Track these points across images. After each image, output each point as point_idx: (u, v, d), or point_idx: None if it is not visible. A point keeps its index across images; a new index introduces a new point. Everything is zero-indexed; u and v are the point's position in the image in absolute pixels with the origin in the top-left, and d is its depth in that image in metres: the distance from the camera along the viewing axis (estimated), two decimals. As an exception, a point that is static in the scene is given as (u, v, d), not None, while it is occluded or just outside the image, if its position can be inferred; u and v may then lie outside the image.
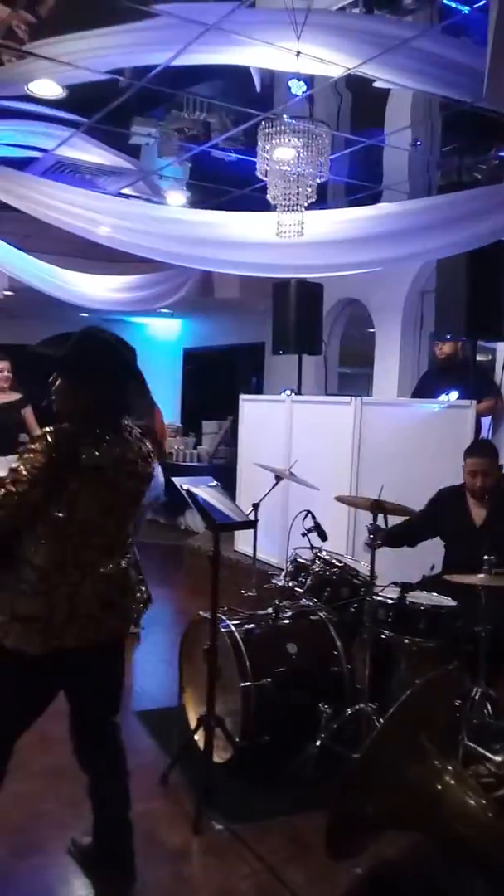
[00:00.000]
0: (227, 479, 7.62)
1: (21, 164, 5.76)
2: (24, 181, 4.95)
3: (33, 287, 6.72)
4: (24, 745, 3.61)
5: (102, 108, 4.98)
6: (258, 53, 3.70)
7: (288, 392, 6.91)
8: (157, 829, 3.05)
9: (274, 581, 4.11)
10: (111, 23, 3.43)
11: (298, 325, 6.86)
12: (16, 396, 6.14)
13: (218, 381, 11.59)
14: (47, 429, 2.42)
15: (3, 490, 2.35)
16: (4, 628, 2.38)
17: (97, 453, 2.41)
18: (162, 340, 11.87)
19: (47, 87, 4.27)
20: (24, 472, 2.34)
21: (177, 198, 6.57)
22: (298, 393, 6.95)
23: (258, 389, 10.13)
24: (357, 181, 6.50)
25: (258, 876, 2.81)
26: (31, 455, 2.36)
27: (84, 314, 10.02)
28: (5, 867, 2.82)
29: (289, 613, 3.89)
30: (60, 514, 2.37)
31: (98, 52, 3.68)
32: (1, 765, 2.60)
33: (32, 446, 2.39)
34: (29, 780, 3.36)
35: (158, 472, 5.74)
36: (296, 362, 7.12)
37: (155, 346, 11.77)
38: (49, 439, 2.37)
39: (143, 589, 2.73)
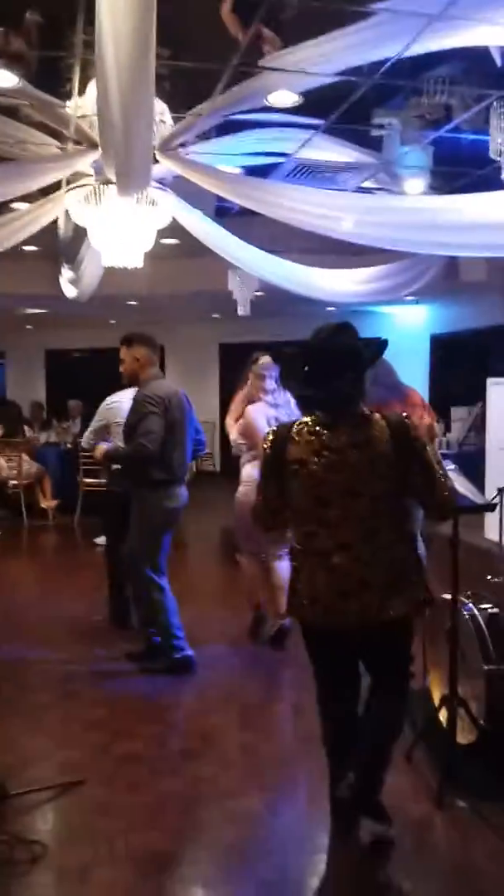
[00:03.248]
0: (477, 464, 7.50)
1: (265, 171, 6.09)
2: (268, 187, 5.23)
3: (281, 287, 7.05)
4: (277, 713, 3.92)
5: (342, 106, 5.12)
6: (486, 33, 3.65)
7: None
8: (401, 801, 3.16)
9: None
10: (336, 27, 3.58)
11: (552, 303, 6.57)
12: None
13: (468, 366, 11.33)
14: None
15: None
16: None
17: (298, 446, 2.68)
18: (408, 328, 11.84)
19: (284, 97, 4.51)
20: (259, 473, 2.87)
21: (416, 185, 6.55)
22: None
23: (511, 372, 9.77)
24: None
25: (501, 855, 2.84)
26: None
27: (331, 308, 10.29)
28: (258, 820, 3.10)
29: (536, 600, 3.81)
30: (291, 504, 2.75)
31: (329, 55, 3.83)
32: (339, 702, 2.93)
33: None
34: (281, 745, 3.64)
35: None
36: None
37: (401, 335, 11.76)
38: (268, 436, 2.82)
39: (417, 591, 2.73)
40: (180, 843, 2.95)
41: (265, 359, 6.25)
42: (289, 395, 5.31)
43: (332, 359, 2.66)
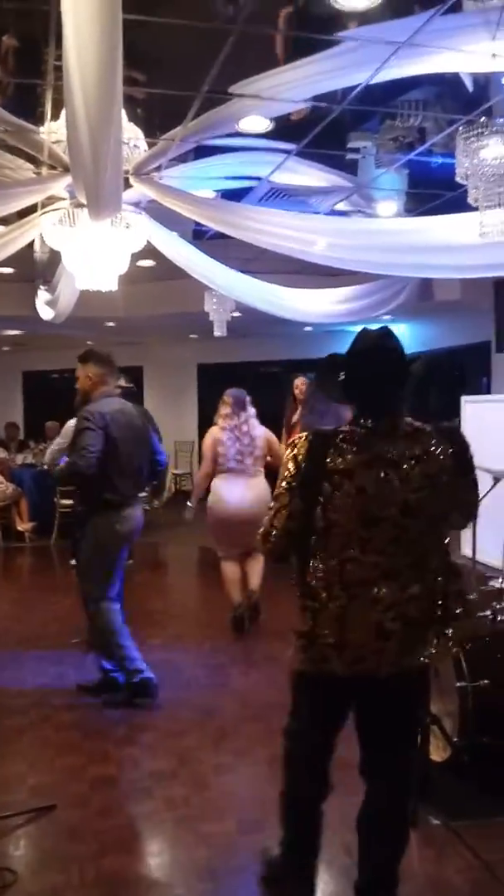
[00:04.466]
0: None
1: (239, 195, 6.16)
2: (242, 211, 5.29)
3: (257, 308, 7.11)
4: (250, 734, 3.93)
5: (314, 131, 5.20)
6: (452, 60, 3.73)
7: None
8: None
9: (491, 583, 4.08)
10: (304, 55, 3.65)
11: (523, 322, 6.67)
12: None
13: (444, 384, 11.44)
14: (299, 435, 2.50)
15: (271, 510, 2.47)
16: (292, 640, 2.45)
17: (346, 457, 2.33)
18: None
19: (255, 123, 4.57)
20: (279, 483, 2.45)
21: (388, 207, 6.65)
22: (525, 392, 6.76)
23: (489, 390, 9.90)
24: None
25: (473, 872, 2.85)
26: (286, 466, 2.46)
27: (308, 328, 10.38)
28: (230, 841, 3.09)
29: (508, 616, 3.84)
30: (322, 525, 2.34)
31: (297, 82, 3.89)
32: (318, 778, 2.56)
33: (287, 455, 2.48)
34: (254, 766, 3.64)
35: None
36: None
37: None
38: (296, 446, 2.43)
39: (462, 624, 2.41)
40: (153, 866, 2.94)
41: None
42: (252, 417, 5.63)
43: (389, 364, 2.40)
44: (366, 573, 2.30)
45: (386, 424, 2.38)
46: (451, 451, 2.36)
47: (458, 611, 2.39)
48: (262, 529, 2.50)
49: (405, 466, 2.31)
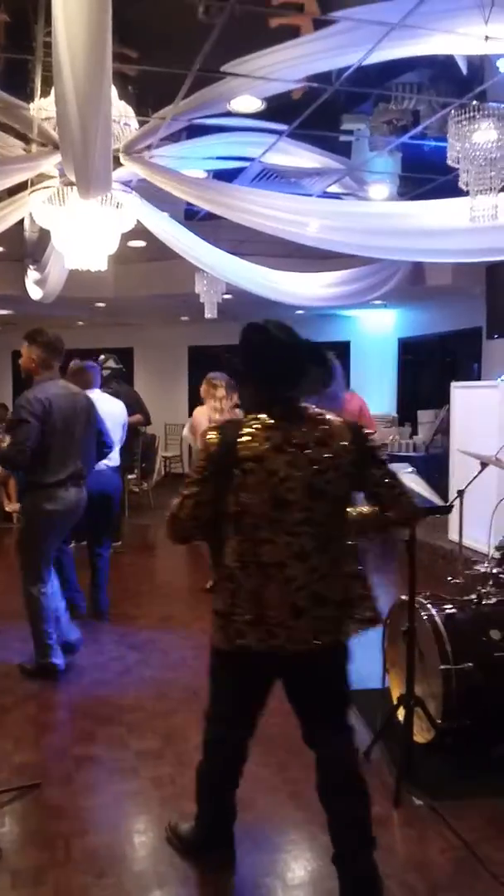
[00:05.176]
0: (443, 467, 7.59)
1: (231, 175, 6.12)
2: (233, 192, 5.26)
3: (247, 290, 7.09)
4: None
5: (312, 112, 5.16)
6: (445, 42, 3.71)
7: (503, 378, 6.75)
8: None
9: (477, 567, 4.10)
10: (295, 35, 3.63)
11: (514, 308, 6.68)
12: None
13: (435, 370, 11.46)
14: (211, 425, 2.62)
15: (180, 496, 2.52)
16: (213, 620, 2.53)
17: (254, 442, 2.42)
18: (376, 331, 11.93)
19: (247, 103, 4.54)
20: (192, 473, 2.53)
21: (380, 191, 6.62)
22: (515, 378, 6.77)
23: (479, 376, 9.92)
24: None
25: (455, 851, 2.88)
26: (198, 454, 2.57)
27: (299, 311, 10.35)
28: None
29: (493, 600, 3.87)
30: (234, 510, 2.43)
31: (290, 62, 3.86)
32: (238, 761, 2.77)
33: (200, 445, 2.59)
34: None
35: None
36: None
37: (369, 338, 11.85)
38: (208, 435, 2.52)
39: (367, 606, 2.53)
40: (137, 844, 2.96)
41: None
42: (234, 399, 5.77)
43: (297, 354, 2.48)
44: (279, 553, 2.41)
45: (290, 410, 2.50)
46: (350, 437, 2.49)
47: (361, 593, 2.52)
48: (168, 512, 2.57)
49: (311, 449, 2.43)
